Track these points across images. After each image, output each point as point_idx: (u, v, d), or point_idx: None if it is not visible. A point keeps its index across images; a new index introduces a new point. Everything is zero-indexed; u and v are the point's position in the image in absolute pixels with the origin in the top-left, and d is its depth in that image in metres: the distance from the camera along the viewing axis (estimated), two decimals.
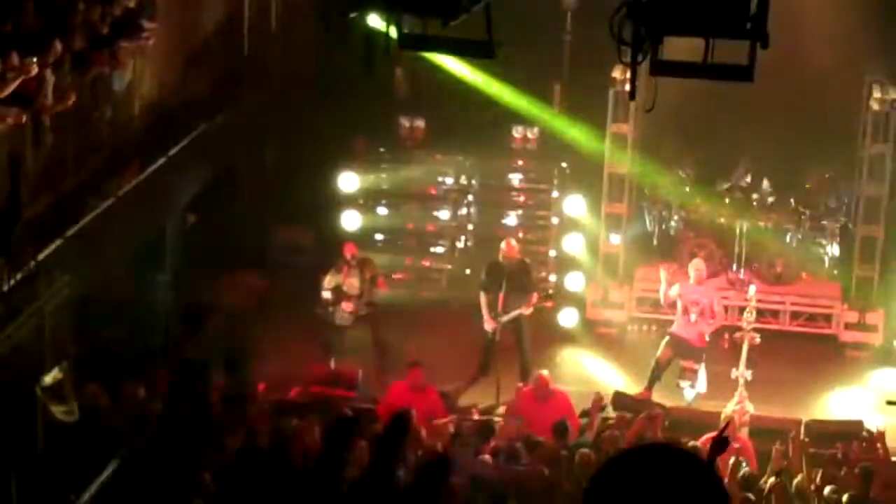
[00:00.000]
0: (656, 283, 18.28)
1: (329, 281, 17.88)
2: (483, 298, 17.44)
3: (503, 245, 17.75)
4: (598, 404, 15.84)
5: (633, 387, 17.24)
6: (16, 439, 13.39)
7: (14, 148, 13.79)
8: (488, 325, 17.37)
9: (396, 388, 16.14)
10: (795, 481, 13.70)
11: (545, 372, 16.44)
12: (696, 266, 17.54)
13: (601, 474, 2.97)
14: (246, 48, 20.24)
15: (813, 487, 13.58)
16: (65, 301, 14.32)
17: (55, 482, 13.45)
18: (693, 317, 17.22)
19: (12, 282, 13.41)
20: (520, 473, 13.88)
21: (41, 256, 13.80)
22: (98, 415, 14.52)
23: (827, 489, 13.37)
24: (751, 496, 13.07)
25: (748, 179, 20.04)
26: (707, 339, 17.29)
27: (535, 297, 17.57)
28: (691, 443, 14.33)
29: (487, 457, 14.24)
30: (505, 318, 17.31)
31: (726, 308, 18.22)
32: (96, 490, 13.73)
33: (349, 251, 18.12)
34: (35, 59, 13.68)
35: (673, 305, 17.48)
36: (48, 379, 13.78)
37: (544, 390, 16.01)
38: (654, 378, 17.12)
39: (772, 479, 13.76)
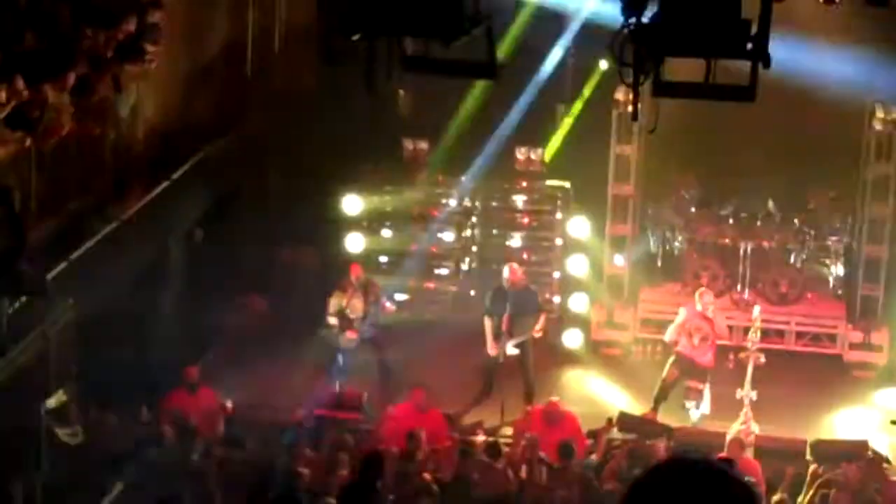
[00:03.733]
0: (661, 304, 18.27)
1: (334, 304, 17.89)
2: (487, 323, 17.45)
3: (507, 270, 17.75)
4: (608, 428, 15.87)
5: (638, 407, 17.20)
6: (21, 462, 13.39)
7: (6, 179, 13.79)
8: (492, 350, 17.37)
9: (400, 409, 16.14)
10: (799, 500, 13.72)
11: (556, 398, 16.46)
12: (706, 298, 17.44)
13: (643, 484, 2.97)
14: (249, 70, 20.28)
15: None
16: (69, 324, 14.33)
17: None
18: (696, 341, 17.21)
19: (16, 305, 13.42)
20: (535, 493, 13.94)
21: (46, 280, 13.82)
22: (103, 437, 14.52)
23: None
24: None
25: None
26: (713, 359, 17.26)
27: (543, 318, 17.60)
28: None
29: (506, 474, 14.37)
30: (511, 343, 17.31)
31: (731, 328, 18.22)
32: None
33: (354, 273, 18.14)
34: (45, 86, 13.70)
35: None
36: (53, 402, 13.79)
37: (555, 413, 16.04)
38: (661, 398, 17.09)
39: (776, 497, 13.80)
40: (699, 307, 17.37)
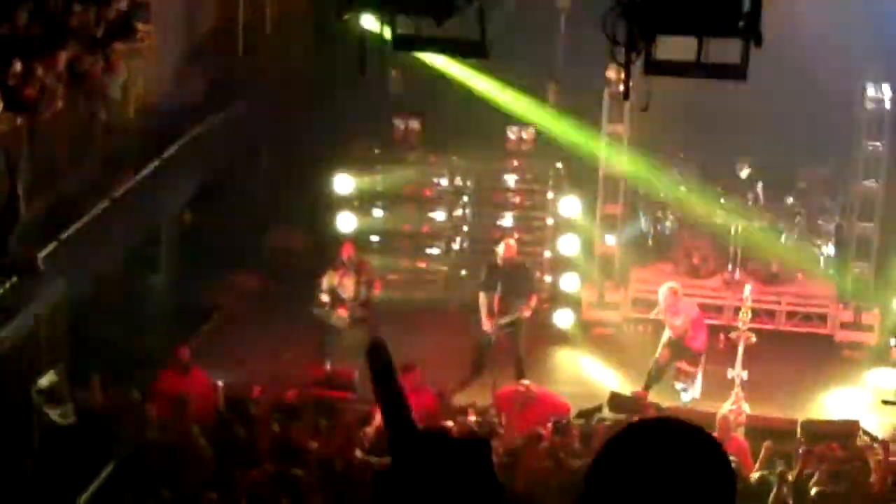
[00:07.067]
0: (652, 284, 18.27)
1: (326, 281, 17.87)
2: (482, 299, 17.43)
3: (502, 247, 17.72)
4: None
5: (629, 387, 17.22)
6: (12, 442, 13.38)
7: (11, 151, 13.79)
8: (486, 325, 17.37)
9: None
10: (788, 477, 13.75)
11: (526, 382, 16.43)
12: (664, 292, 17.37)
13: (612, 444, 2.97)
14: (240, 49, 20.23)
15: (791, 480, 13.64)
16: (60, 303, 14.31)
17: (52, 485, 13.44)
18: (678, 322, 17.23)
19: (7, 285, 13.41)
20: (535, 471, 13.96)
21: (37, 259, 13.81)
22: (94, 417, 14.51)
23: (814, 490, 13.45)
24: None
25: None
26: (705, 342, 17.25)
27: (534, 299, 17.59)
28: None
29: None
30: (503, 321, 17.30)
31: (721, 308, 18.24)
32: (93, 492, 13.74)
33: (346, 252, 18.12)
34: (38, 66, 13.67)
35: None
36: (44, 382, 13.77)
37: (525, 397, 16.04)
38: (653, 379, 17.10)
39: (756, 475, 13.82)
40: (661, 303, 17.34)
